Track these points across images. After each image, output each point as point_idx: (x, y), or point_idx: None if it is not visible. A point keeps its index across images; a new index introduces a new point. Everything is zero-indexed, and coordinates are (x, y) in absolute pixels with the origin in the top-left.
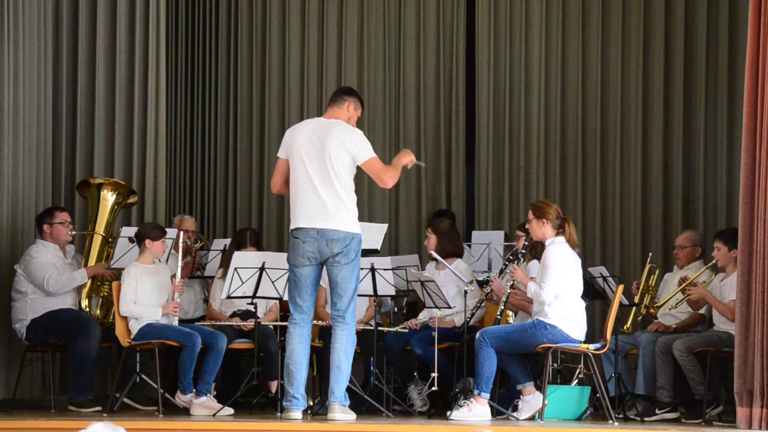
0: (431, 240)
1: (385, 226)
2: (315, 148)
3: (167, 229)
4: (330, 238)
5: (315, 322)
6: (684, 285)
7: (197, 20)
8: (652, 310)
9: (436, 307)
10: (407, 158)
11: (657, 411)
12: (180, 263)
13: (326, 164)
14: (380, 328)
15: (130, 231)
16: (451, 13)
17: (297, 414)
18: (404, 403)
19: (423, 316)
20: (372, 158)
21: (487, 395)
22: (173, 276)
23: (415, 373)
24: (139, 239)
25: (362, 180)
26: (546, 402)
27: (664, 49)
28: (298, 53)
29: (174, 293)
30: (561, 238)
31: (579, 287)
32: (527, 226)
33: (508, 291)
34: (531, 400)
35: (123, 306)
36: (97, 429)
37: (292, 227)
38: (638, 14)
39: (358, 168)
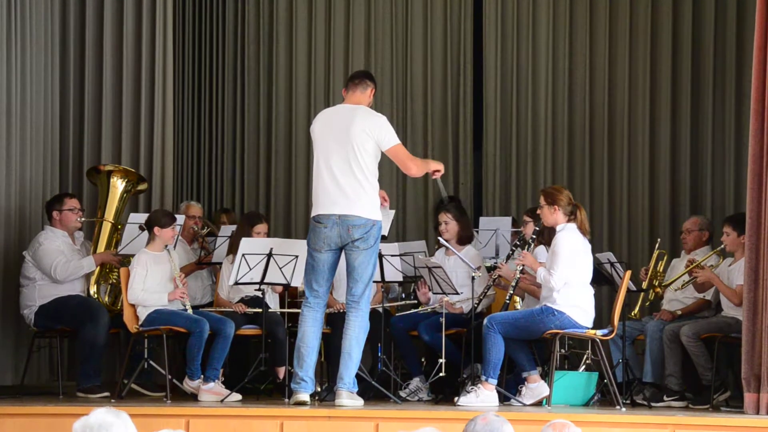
0: (451, 225)
1: (393, 212)
2: (338, 133)
3: (176, 216)
4: (351, 224)
5: None
6: (692, 267)
7: (204, 5)
8: (658, 289)
9: (443, 293)
10: (439, 166)
11: (665, 398)
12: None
13: (349, 150)
14: (387, 305)
15: (137, 218)
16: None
17: (305, 396)
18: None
19: (433, 300)
20: (396, 145)
21: (495, 381)
22: (179, 272)
23: (423, 359)
24: (149, 226)
25: None
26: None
27: (672, 34)
28: (305, 39)
29: (180, 280)
30: (572, 225)
31: (588, 274)
32: (538, 212)
33: (518, 276)
34: (536, 388)
35: (131, 293)
36: (99, 415)
37: (313, 213)
38: None
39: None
